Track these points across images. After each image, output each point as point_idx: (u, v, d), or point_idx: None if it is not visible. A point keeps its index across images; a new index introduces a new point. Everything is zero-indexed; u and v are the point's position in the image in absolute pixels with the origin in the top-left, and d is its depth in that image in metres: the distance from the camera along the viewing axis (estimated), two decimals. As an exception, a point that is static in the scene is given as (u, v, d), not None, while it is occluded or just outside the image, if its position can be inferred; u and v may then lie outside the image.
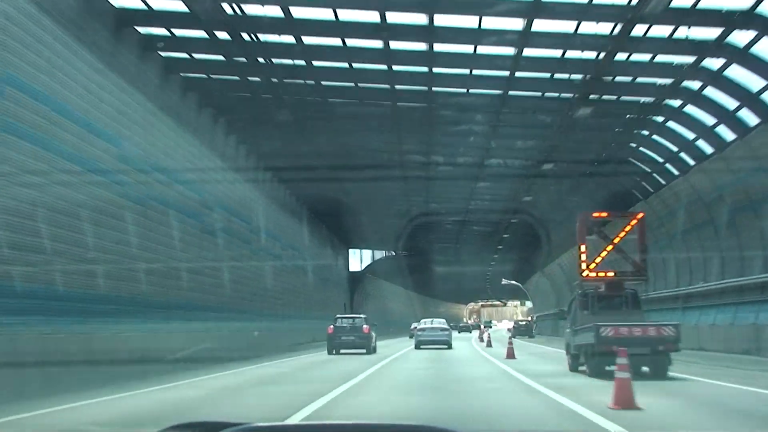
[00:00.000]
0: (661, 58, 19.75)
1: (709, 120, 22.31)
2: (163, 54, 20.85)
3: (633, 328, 15.42)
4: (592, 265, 17.27)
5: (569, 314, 19.14)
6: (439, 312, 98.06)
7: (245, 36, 18.99)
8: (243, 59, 20.28)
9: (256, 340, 27.84)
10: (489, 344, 38.16)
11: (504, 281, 79.95)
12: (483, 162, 31.71)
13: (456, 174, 36.34)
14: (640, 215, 17.62)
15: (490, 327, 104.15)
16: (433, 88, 23.33)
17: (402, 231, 53.33)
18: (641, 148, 27.69)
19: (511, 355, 25.05)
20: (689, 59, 19.27)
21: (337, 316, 30.61)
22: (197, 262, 23.65)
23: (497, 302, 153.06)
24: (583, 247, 17.32)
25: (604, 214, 18.73)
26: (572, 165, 30.80)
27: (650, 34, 18.14)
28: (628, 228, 17.27)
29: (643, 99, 22.86)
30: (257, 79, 22.86)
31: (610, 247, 17.30)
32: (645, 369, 15.63)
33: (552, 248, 50.85)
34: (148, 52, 19.99)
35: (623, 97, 23.68)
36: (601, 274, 17.29)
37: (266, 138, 30.11)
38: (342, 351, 28.13)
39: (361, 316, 30.82)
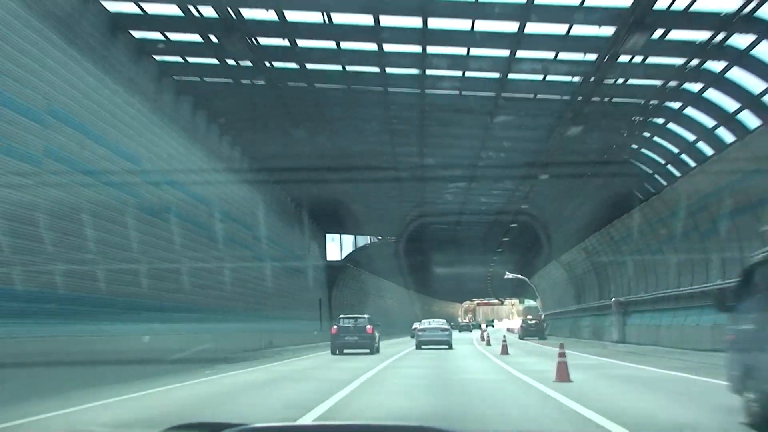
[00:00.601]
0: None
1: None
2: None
3: None
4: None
5: (744, 301, 8.51)
6: (433, 311, 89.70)
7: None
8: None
9: (147, 347, 17.55)
10: (505, 351, 28.03)
11: (508, 275, 69.77)
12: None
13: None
14: None
15: (492, 326, 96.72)
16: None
17: (391, 213, 43.87)
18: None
19: (563, 375, 14.78)
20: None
21: (341, 316, 30.55)
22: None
23: (495, 300, 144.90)
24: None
25: None
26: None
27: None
28: None
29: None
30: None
31: None
32: None
33: (574, 232, 40.86)
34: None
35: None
36: None
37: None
38: (345, 351, 28.16)
39: (365, 316, 30.30)
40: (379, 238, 53.69)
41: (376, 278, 62.96)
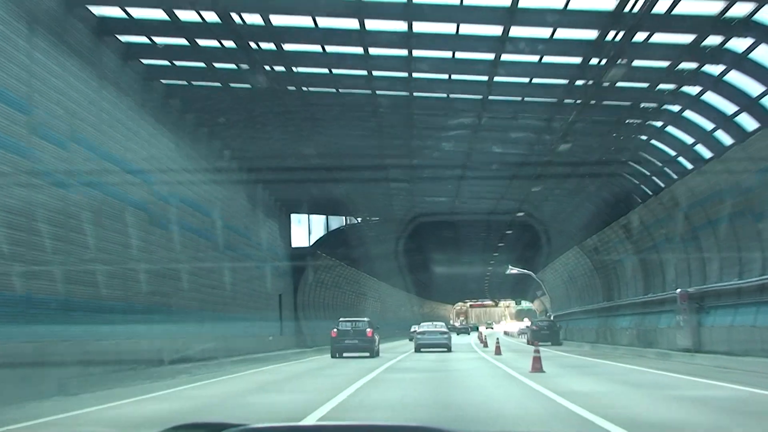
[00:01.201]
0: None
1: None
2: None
3: None
4: None
5: None
6: (424, 313, 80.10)
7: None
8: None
9: None
10: (537, 367, 18.46)
11: (511, 269, 59.74)
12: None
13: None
14: None
15: (491, 329, 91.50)
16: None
17: (376, 191, 34.40)
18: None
19: None
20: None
21: (341, 319, 29.97)
22: None
23: (489, 302, 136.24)
24: None
25: None
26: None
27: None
28: None
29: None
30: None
31: None
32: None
33: (606, 208, 31.17)
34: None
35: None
36: None
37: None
38: (345, 354, 28.22)
39: (365, 319, 30.21)
40: (358, 220, 43.39)
41: (354, 271, 52.65)
